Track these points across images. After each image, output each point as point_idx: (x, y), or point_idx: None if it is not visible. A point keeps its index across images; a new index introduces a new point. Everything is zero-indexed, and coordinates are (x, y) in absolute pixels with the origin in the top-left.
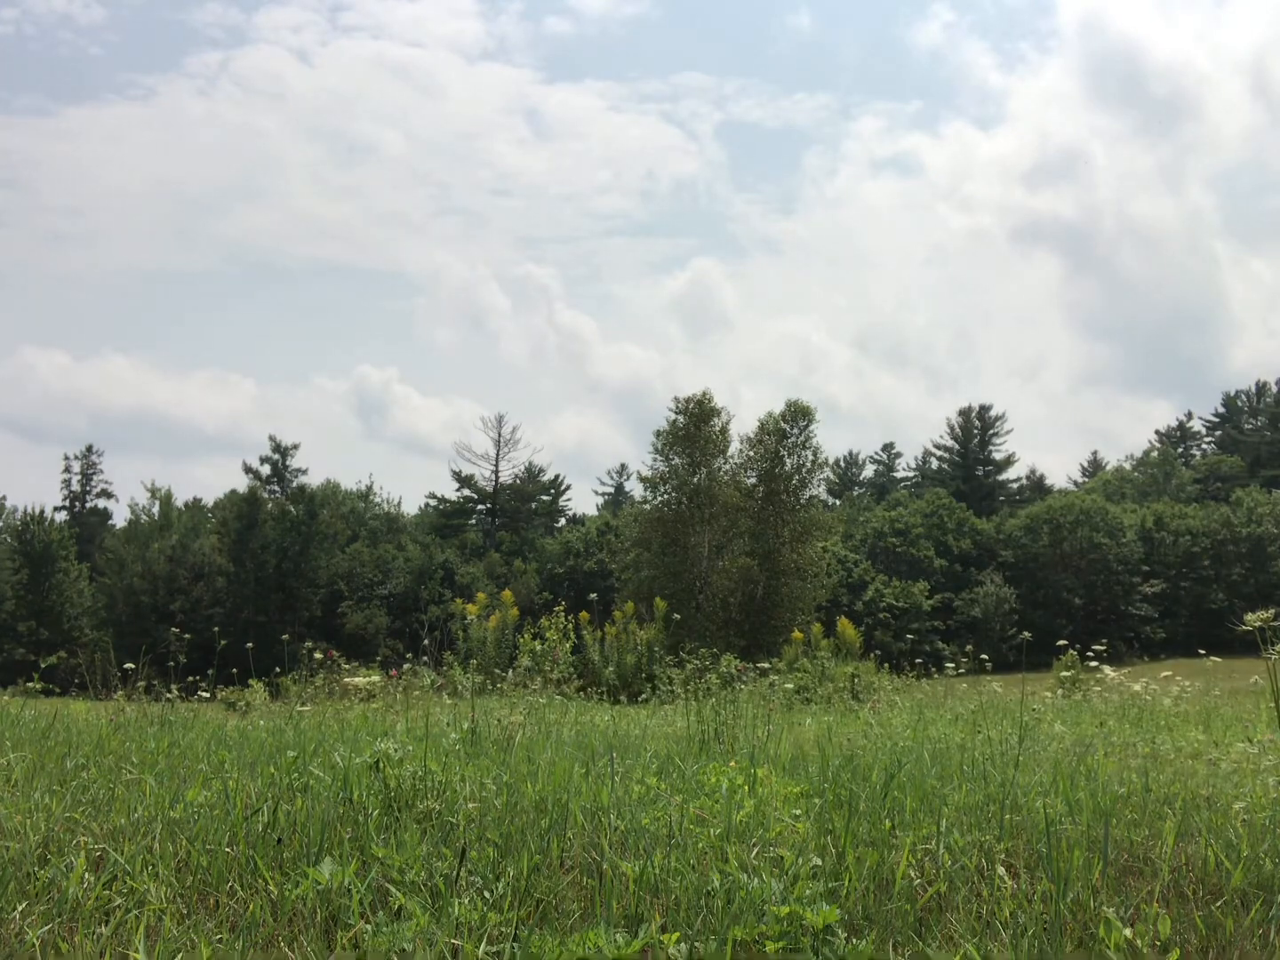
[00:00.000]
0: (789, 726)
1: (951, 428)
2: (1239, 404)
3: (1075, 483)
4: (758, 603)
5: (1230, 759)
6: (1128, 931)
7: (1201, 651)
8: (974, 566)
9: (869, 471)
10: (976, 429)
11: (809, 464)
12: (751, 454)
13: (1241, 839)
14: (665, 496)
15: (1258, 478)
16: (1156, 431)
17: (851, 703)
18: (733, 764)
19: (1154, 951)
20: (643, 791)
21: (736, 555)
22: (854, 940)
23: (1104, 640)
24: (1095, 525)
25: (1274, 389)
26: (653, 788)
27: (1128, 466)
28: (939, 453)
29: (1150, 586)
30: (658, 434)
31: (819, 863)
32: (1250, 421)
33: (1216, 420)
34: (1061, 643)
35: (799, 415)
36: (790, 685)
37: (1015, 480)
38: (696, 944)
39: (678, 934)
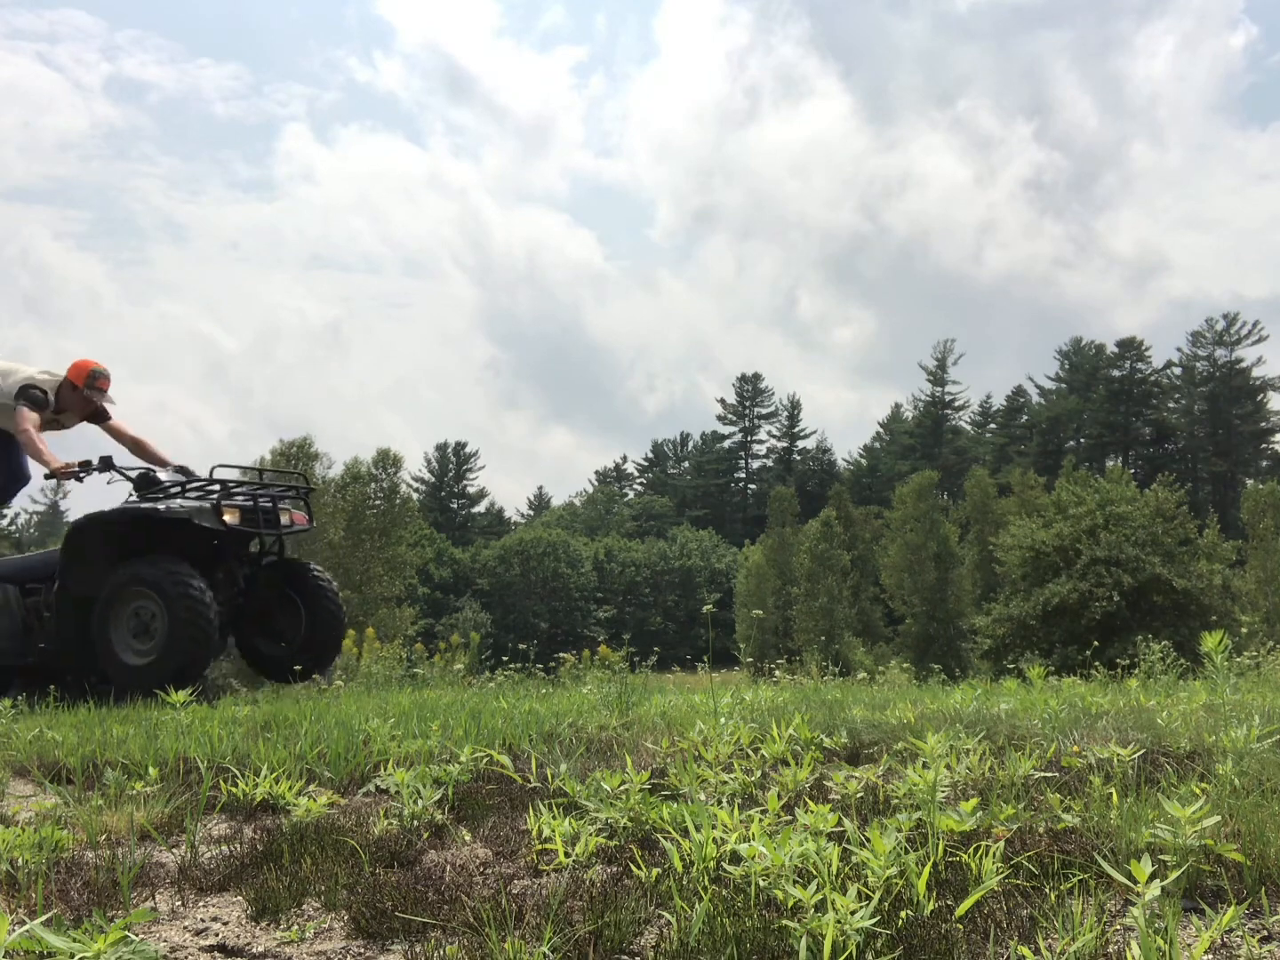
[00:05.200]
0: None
1: (429, 461)
2: (665, 451)
3: (523, 515)
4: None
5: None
6: None
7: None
8: (453, 594)
9: None
10: (452, 464)
11: (397, 506)
12: (339, 496)
13: None
14: None
15: (685, 516)
16: (596, 472)
17: None
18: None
19: None
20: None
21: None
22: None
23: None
24: (559, 556)
25: (696, 439)
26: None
27: (577, 503)
28: (416, 485)
29: (603, 611)
30: (245, 471)
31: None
32: (675, 467)
33: (647, 464)
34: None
35: (387, 462)
36: None
37: (484, 513)
38: None
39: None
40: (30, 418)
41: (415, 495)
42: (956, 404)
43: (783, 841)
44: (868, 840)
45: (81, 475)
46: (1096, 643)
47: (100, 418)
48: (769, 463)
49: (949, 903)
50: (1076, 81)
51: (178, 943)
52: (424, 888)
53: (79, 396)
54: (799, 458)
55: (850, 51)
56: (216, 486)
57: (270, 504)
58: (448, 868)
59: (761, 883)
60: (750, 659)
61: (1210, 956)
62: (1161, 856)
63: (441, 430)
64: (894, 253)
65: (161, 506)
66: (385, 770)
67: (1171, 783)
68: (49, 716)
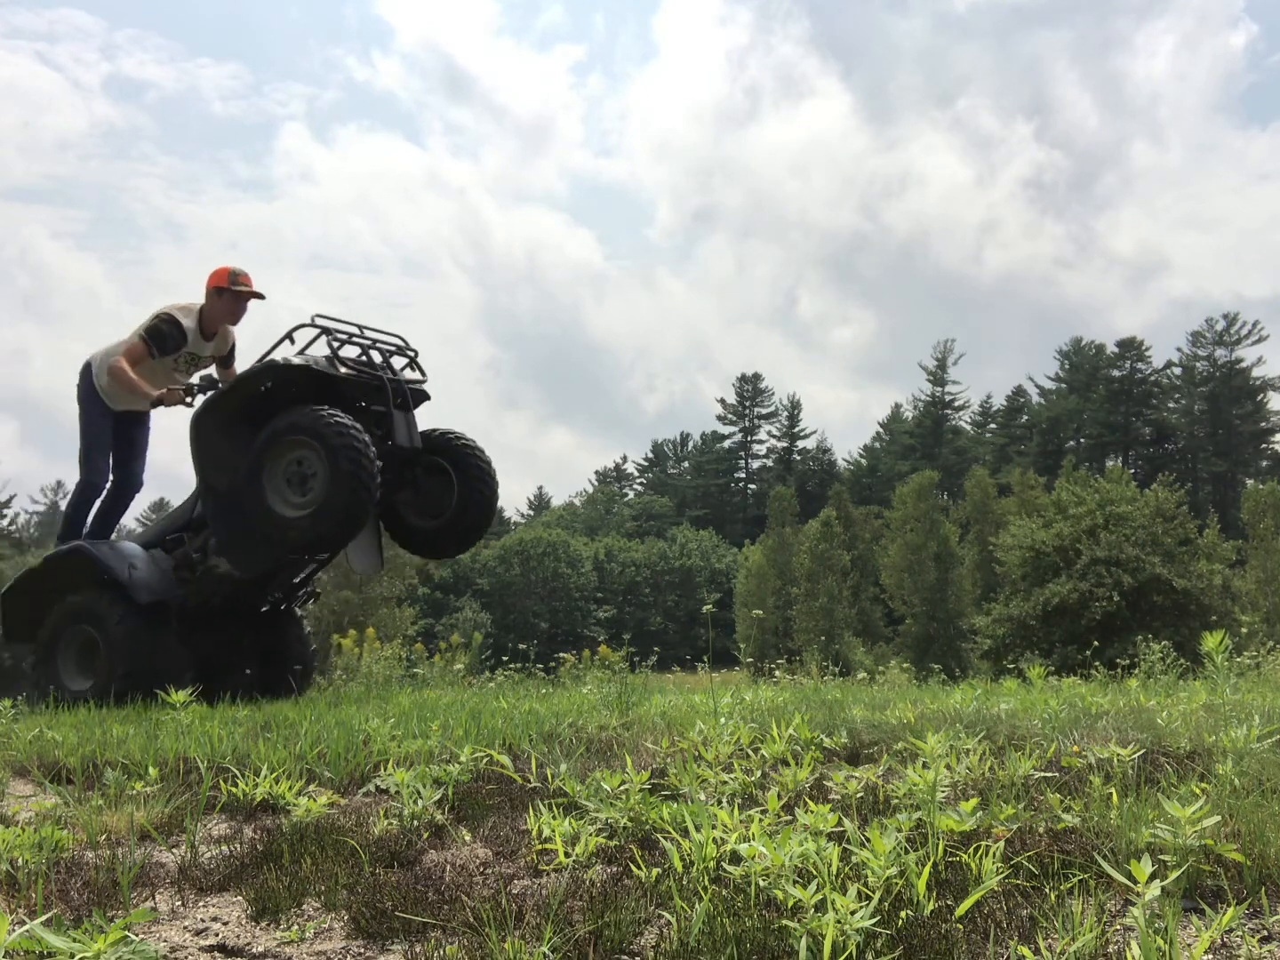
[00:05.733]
0: None
1: None
2: (665, 451)
3: (523, 515)
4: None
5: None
6: None
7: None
8: (453, 594)
9: None
10: None
11: None
12: None
13: None
14: None
15: (685, 516)
16: (596, 472)
17: None
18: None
19: None
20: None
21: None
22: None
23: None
24: (559, 556)
25: (696, 439)
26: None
27: (577, 503)
28: None
29: (603, 611)
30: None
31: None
32: (675, 467)
33: (647, 464)
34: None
35: None
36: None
37: None
38: None
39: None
40: (134, 350)
41: None
42: (956, 404)
43: (783, 841)
44: (868, 840)
45: (188, 400)
46: (1096, 643)
47: (226, 363)
48: (769, 463)
49: (949, 903)
50: (1076, 81)
51: (178, 943)
52: (424, 888)
53: (227, 298)
54: (799, 458)
55: (850, 51)
56: (322, 342)
57: (383, 357)
58: (448, 868)
59: (761, 883)
60: (750, 659)
61: (1210, 956)
62: (1161, 856)
63: None
64: (894, 252)
65: (279, 359)
66: (385, 770)
67: (1171, 783)
68: (49, 716)
